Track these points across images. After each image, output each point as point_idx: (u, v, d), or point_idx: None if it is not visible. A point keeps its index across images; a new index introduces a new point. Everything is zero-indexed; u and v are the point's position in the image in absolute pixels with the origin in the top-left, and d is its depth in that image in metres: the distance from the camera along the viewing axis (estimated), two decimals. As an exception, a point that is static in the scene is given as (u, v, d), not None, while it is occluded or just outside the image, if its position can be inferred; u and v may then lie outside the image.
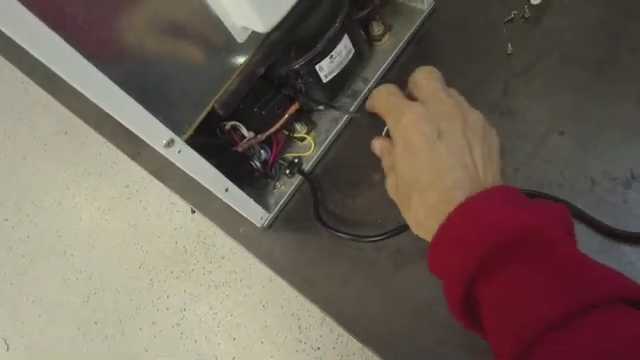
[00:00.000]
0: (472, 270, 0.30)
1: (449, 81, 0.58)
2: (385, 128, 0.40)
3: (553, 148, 0.51)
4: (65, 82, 0.35)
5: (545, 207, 0.32)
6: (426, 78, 0.38)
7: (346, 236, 0.53)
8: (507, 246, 0.30)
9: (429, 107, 0.36)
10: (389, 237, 0.50)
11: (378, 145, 0.40)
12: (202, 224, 1.61)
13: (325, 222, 0.54)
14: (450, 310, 0.33)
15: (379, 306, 0.51)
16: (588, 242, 0.46)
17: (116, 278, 1.60)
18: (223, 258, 1.56)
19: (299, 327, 1.36)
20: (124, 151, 0.73)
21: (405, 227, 0.50)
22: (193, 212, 1.43)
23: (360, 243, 0.53)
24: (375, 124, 0.59)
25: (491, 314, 0.31)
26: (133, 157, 0.72)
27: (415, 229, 0.37)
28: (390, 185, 0.39)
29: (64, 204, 1.77)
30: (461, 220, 0.32)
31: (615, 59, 0.53)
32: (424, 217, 0.34)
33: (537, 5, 0.57)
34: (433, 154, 0.34)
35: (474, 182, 0.33)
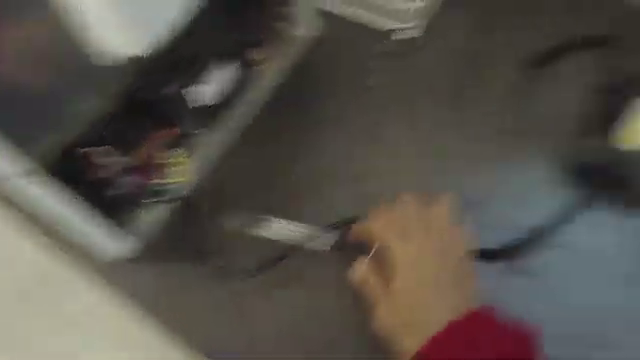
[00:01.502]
0: None
1: (323, 107, 0.60)
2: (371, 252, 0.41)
3: (421, 174, 0.55)
4: None
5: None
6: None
7: (222, 270, 0.51)
8: None
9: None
10: (263, 271, 0.50)
11: (361, 274, 0.41)
12: (59, 256, 1.46)
13: (198, 254, 0.52)
14: None
15: (250, 337, 0.50)
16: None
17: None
18: (79, 293, 1.43)
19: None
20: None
21: (277, 260, 0.50)
22: (50, 243, 1.30)
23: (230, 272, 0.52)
24: (256, 152, 0.58)
25: None
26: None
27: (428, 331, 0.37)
28: (386, 311, 0.39)
29: None
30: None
31: (476, 92, 0.58)
32: (446, 314, 0.36)
33: (407, 39, 0.61)
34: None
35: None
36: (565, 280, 0.49)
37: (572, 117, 0.54)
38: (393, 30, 0.61)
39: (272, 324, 0.50)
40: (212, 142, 0.59)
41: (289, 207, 0.55)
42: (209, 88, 0.53)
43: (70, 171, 0.48)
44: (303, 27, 0.62)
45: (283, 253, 0.51)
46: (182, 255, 0.53)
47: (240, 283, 0.51)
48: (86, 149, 0.47)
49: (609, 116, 0.50)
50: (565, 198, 0.51)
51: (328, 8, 0.65)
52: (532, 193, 0.52)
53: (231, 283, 0.52)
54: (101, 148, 0.48)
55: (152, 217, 0.56)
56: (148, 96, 0.50)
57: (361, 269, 0.41)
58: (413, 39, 0.60)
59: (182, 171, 0.57)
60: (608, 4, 0.60)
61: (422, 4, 0.61)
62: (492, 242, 0.48)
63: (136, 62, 0.43)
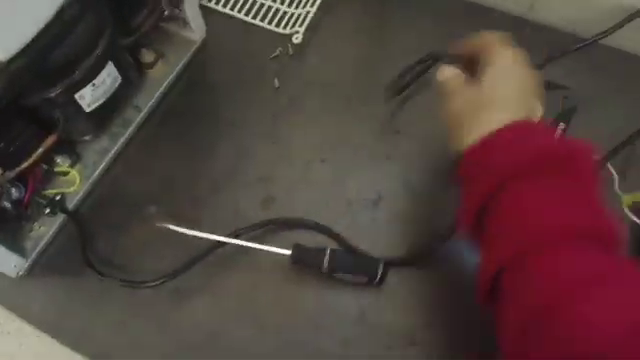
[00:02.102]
0: (510, 171, 0.35)
1: (222, 110, 0.60)
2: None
3: (315, 173, 0.56)
4: None
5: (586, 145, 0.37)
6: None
7: (121, 282, 0.49)
8: (550, 161, 0.35)
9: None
10: (167, 280, 0.49)
11: (451, 71, 0.43)
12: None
13: (95, 267, 0.50)
14: (467, 210, 0.38)
15: (158, 348, 0.49)
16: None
17: None
18: None
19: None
20: None
21: (184, 268, 0.50)
22: None
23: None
24: (151, 157, 0.57)
25: (502, 217, 0.36)
26: None
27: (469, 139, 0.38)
28: (459, 101, 0.41)
29: None
30: (526, 130, 0.37)
31: (365, 93, 0.61)
32: (495, 125, 0.37)
33: (299, 43, 0.62)
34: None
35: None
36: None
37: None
38: (285, 34, 0.63)
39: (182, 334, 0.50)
40: (101, 149, 0.57)
41: (190, 211, 0.55)
42: (96, 92, 0.51)
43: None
44: (193, 28, 0.61)
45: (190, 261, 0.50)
46: (80, 269, 0.51)
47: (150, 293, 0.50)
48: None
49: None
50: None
51: (218, 8, 0.65)
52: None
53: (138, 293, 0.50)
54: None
55: (40, 230, 0.53)
56: (28, 103, 0.47)
57: (449, 69, 0.43)
58: (303, 43, 0.62)
59: (69, 180, 0.54)
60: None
61: (311, 9, 0.63)
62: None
63: (7, 66, 0.41)
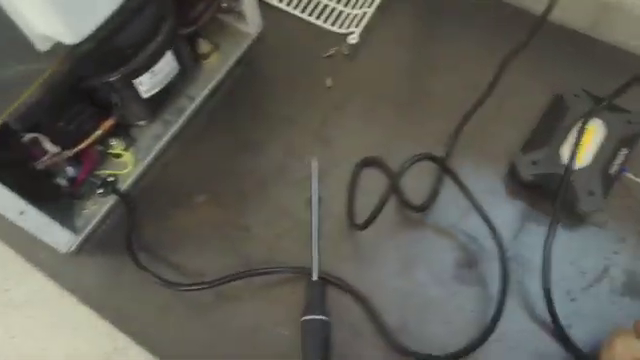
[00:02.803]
0: None
1: (274, 106, 0.60)
2: None
3: (363, 177, 0.56)
4: None
5: None
6: None
7: (157, 281, 0.50)
8: None
9: None
10: (203, 288, 0.50)
11: None
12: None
13: (137, 258, 0.51)
14: None
15: (200, 336, 0.49)
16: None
17: None
18: (26, 273, 1.37)
19: (115, 349, 1.25)
20: None
21: (225, 280, 0.49)
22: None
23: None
24: (200, 146, 0.58)
25: None
26: None
27: None
28: None
29: None
30: None
31: (417, 99, 0.60)
32: None
33: (354, 44, 0.62)
34: None
35: None
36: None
37: (519, 130, 0.57)
38: (341, 33, 0.63)
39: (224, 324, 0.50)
40: (154, 135, 0.58)
41: (235, 204, 0.56)
42: (154, 79, 0.52)
43: (8, 160, 0.46)
44: (249, 22, 0.62)
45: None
46: (121, 249, 0.52)
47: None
48: (25, 137, 0.46)
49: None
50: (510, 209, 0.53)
51: (276, 4, 0.66)
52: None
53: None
54: (41, 137, 0.47)
55: (92, 209, 0.54)
56: (89, 85, 0.49)
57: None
58: (358, 43, 0.62)
59: (122, 163, 0.56)
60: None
61: (369, 10, 0.63)
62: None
63: (74, 49, 0.42)
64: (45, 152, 0.48)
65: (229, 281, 0.50)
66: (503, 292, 0.48)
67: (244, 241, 0.54)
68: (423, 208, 0.53)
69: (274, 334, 0.49)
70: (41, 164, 0.48)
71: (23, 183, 0.45)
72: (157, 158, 0.58)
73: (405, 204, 0.53)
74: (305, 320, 0.48)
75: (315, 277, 0.49)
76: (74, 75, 0.45)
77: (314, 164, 0.56)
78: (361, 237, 0.53)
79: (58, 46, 0.41)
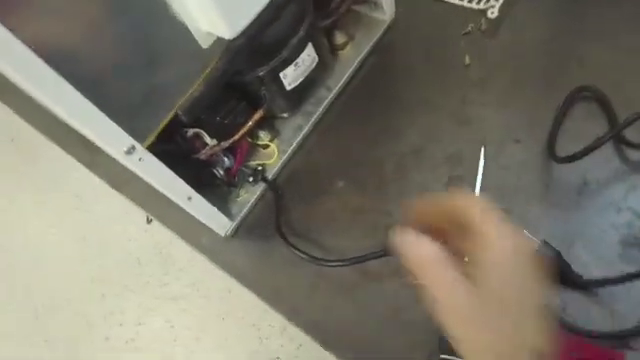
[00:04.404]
0: None
1: (410, 90, 0.60)
2: None
3: (509, 155, 0.53)
4: (15, 83, 0.34)
5: None
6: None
7: (306, 256, 0.52)
8: None
9: None
10: (352, 264, 0.50)
11: (426, 247, 0.30)
12: (158, 235, 1.56)
13: (286, 238, 0.54)
14: None
15: (346, 314, 0.51)
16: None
17: (66, 293, 1.53)
18: (180, 270, 1.52)
19: (259, 338, 1.34)
20: (78, 159, 0.70)
21: (368, 257, 0.48)
22: (149, 222, 1.39)
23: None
24: (341, 134, 0.60)
25: None
26: (88, 165, 0.69)
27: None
28: (449, 318, 0.29)
29: (8, 217, 1.68)
30: None
31: (563, 72, 0.56)
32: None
33: (493, 19, 0.59)
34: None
35: None
36: None
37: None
38: (479, 9, 0.60)
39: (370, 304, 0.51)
40: (296, 125, 0.61)
41: (375, 189, 0.56)
42: (296, 71, 0.55)
43: (172, 151, 0.52)
44: (384, 9, 0.62)
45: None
46: (271, 233, 0.55)
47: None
48: (194, 130, 0.51)
49: None
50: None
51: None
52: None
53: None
54: (201, 131, 0.52)
55: (244, 197, 0.59)
56: (241, 81, 0.53)
57: (423, 243, 0.30)
58: (498, 18, 0.59)
59: (268, 153, 0.60)
60: None
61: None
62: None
63: (230, 45, 0.46)
64: (205, 144, 0.53)
65: (375, 258, 0.50)
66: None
67: (387, 225, 0.54)
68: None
69: (421, 313, 0.49)
70: (203, 155, 0.53)
71: (187, 172, 0.50)
72: (299, 147, 0.61)
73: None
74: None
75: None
76: (229, 71, 0.49)
77: (483, 149, 0.54)
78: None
79: (216, 43, 0.45)
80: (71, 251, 1.58)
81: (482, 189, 0.52)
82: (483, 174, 0.52)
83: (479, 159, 0.53)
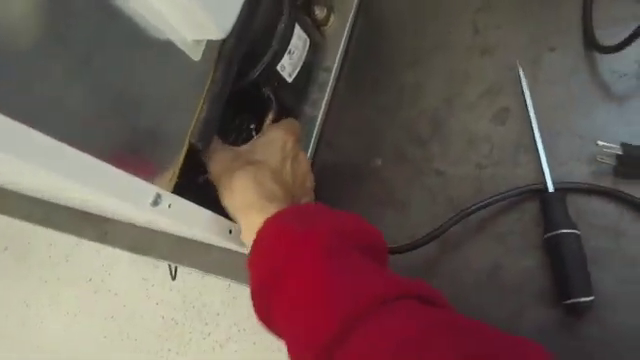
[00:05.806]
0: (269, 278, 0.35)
1: (413, 40, 0.55)
2: None
3: (549, 67, 0.48)
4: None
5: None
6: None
7: None
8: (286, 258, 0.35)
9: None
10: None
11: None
12: (184, 289, 1.50)
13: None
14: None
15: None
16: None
17: (113, 377, 1.46)
18: (218, 315, 1.46)
19: None
20: (87, 237, 0.64)
21: (442, 229, 0.45)
22: (174, 278, 1.32)
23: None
24: (353, 106, 0.54)
25: (287, 314, 0.35)
26: (100, 240, 0.63)
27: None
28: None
29: (28, 323, 1.60)
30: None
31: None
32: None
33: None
34: None
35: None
36: None
37: None
38: None
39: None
40: (307, 118, 0.56)
41: (417, 151, 0.51)
42: (292, 59, 0.49)
43: (196, 188, 0.46)
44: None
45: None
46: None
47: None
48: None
49: None
50: None
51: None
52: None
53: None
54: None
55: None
56: (242, 90, 0.47)
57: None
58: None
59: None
60: None
61: None
62: None
63: (221, 49, 0.41)
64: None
65: (447, 229, 0.45)
66: None
67: (443, 186, 0.49)
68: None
69: (518, 268, 0.44)
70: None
71: (209, 203, 0.44)
72: (320, 138, 0.55)
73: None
74: (550, 237, 0.42)
75: (551, 188, 0.43)
76: (228, 82, 0.44)
77: (520, 70, 0.49)
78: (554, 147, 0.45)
79: (207, 52, 0.39)
80: (103, 334, 1.51)
81: (536, 113, 0.47)
82: (530, 97, 0.47)
83: (519, 84, 0.48)
